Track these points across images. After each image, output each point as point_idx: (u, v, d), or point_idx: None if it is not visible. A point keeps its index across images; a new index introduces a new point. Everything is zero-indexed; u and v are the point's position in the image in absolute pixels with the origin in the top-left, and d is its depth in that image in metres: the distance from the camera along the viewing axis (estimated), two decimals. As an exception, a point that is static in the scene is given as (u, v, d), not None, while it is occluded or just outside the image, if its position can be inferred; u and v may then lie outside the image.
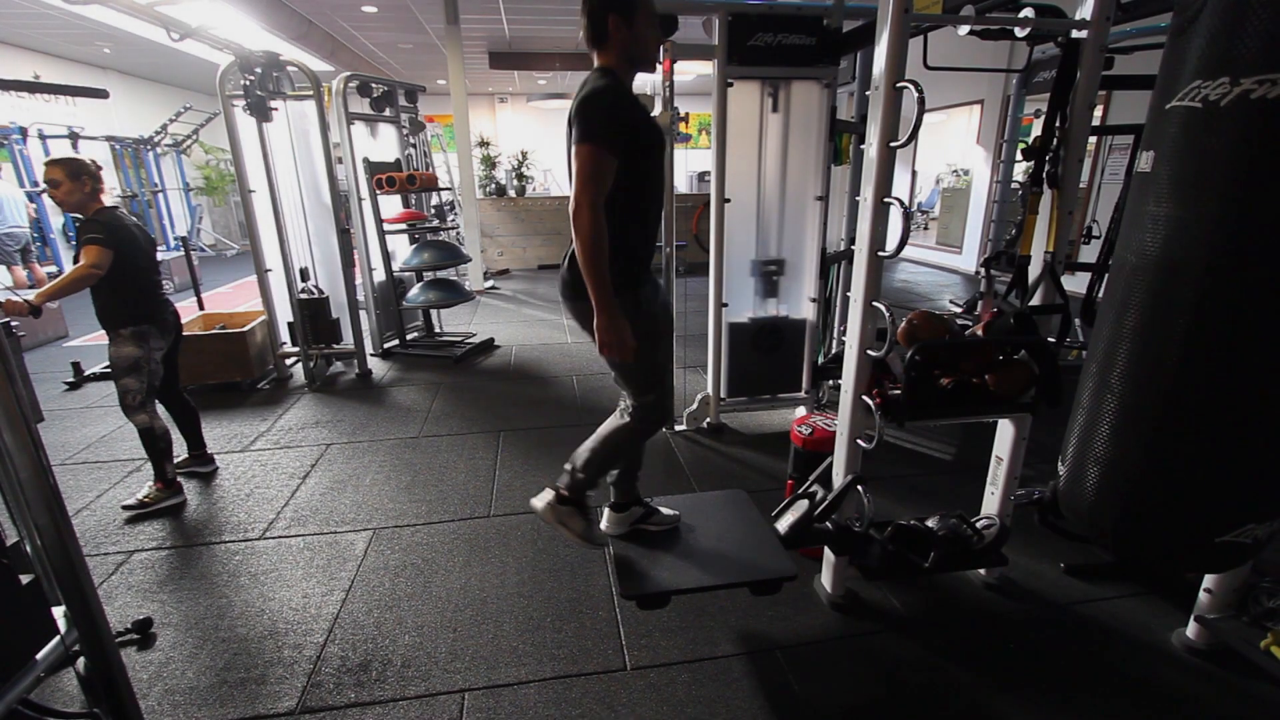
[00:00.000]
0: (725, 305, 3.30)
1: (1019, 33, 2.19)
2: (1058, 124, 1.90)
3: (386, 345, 5.05)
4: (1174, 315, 1.18)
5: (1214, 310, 1.14)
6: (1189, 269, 1.15)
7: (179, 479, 2.84)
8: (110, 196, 2.64)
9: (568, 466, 1.88)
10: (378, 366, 4.75)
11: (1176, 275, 1.17)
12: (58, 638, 1.40)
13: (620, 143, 1.51)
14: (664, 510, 2.07)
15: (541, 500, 1.91)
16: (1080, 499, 1.39)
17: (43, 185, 8.28)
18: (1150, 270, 1.21)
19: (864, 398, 1.84)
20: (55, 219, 8.28)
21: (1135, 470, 1.29)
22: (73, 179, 2.47)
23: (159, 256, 8.19)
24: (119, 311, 2.58)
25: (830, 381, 3.71)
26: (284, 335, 4.48)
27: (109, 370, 2.66)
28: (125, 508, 2.71)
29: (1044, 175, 1.93)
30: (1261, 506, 1.24)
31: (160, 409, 2.78)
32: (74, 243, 2.64)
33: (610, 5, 1.55)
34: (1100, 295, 3.81)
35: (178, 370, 2.92)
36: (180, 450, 3.01)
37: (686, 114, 12.64)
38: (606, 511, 2.03)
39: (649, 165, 1.66)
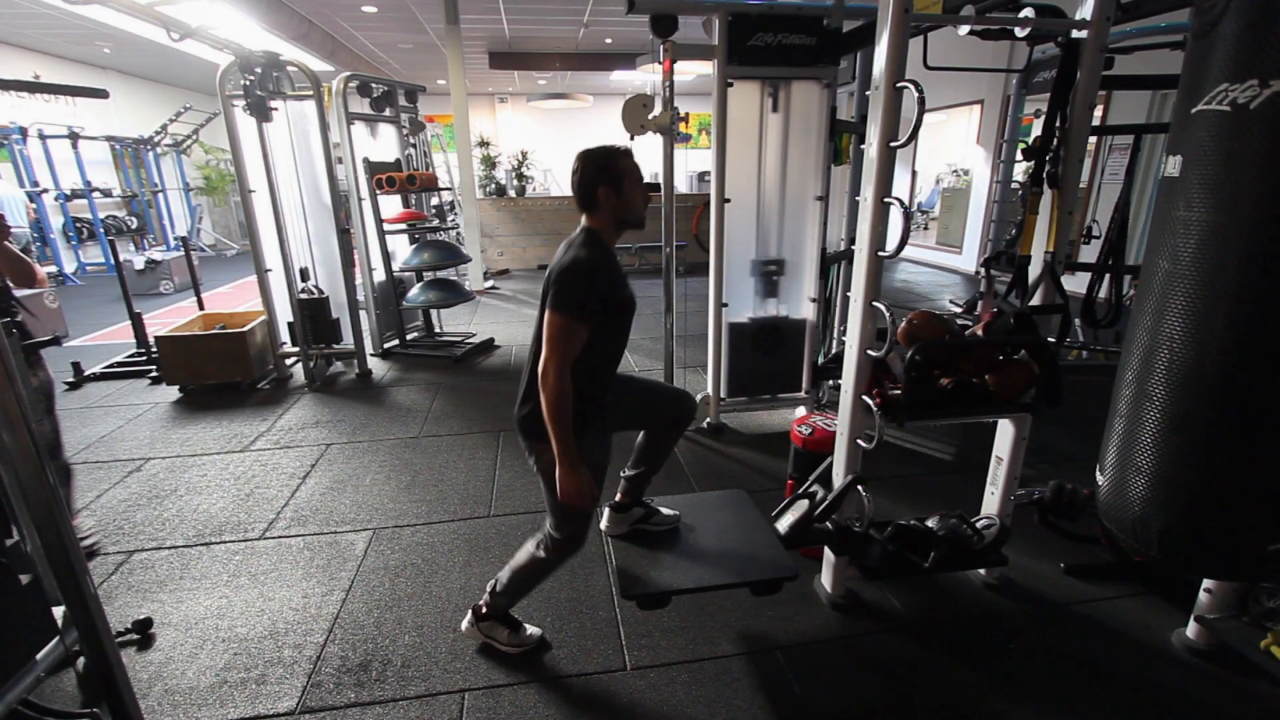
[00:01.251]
0: (725, 305, 3.30)
1: (1019, 33, 2.20)
2: (1058, 124, 1.90)
3: (386, 345, 5.05)
4: (1213, 319, 1.16)
5: (1254, 313, 1.12)
6: (1225, 273, 1.13)
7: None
8: None
9: (489, 585, 1.90)
10: (378, 366, 4.75)
11: (1214, 280, 1.15)
12: (58, 638, 1.40)
13: (592, 314, 1.57)
14: (664, 510, 2.07)
15: (465, 622, 1.97)
16: (1124, 510, 1.36)
17: (42, 186, 8.26)
18: (1185, 275, 1.19)
19: (864, 398, 1.84)
20: (55, 219, 8.28)
21: (1181, 478, 1.26)
22: None
23: (159, 256, 8.11)
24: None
25: (830, 381, 3.70)
26: (284, 335, 4.48)
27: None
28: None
29: (1044, 175, 1.93)
30: None
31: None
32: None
33: (600, 177, 1.62)
34: (1100, 295, 3.81)
35: None
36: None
37: (686, 114, 12.64)
38: (607, 511, 2.04)
39: (615, 329, 1.72)
